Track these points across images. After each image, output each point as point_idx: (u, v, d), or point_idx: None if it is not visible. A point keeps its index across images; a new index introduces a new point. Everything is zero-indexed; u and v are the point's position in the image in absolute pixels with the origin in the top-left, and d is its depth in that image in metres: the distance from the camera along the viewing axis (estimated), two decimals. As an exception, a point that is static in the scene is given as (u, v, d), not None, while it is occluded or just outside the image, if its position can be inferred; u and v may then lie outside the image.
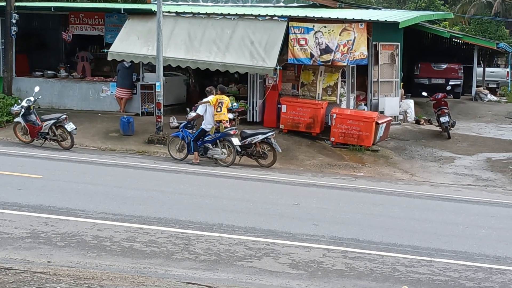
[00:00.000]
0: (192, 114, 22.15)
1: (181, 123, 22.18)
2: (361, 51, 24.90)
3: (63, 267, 9.97)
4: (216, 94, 21.93)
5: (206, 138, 21.68)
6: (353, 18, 25.29)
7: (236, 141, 21.72)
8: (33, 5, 31.04)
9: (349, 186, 19.57)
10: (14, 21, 27.95)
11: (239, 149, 21.90)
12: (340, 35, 24.91)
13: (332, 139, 24.58)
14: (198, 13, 26.49)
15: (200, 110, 21.79)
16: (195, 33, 25.96)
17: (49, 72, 29.51)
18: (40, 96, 24.23)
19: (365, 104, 27.22)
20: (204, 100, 21.83)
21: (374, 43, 26.38)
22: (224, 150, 21.76)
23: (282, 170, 21.86)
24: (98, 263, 10.60)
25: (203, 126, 21.71)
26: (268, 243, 12.36)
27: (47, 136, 22.81)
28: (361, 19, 25.25)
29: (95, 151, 23.02)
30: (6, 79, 28.35)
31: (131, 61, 26.45)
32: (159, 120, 24.32)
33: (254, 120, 26.18)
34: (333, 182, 20.06)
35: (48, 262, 10.37)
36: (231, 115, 22.79)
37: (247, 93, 26.52)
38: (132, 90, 27.52)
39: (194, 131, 21.85)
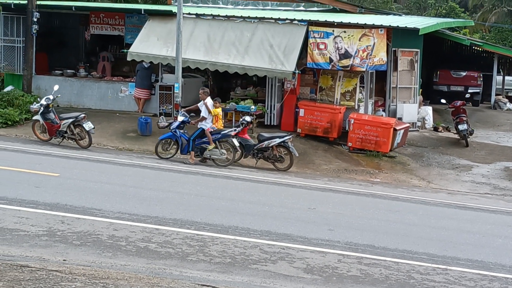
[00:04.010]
0: (165, 124, 22.31)
1: (171, 123, 22.19)
2: (380, 56, 24.85)
3: (78, 266, 9.99)
4: (214, 103, 22.22)
5: (204, 139, 21.75)
6: (373, 24, 25.24)
7: (236, 142, 21.86)
8: (54, 4, 31.13)
9: (366, 192, 19.52)
10: (35, 20, 28.10)
11: (238, 150, 22.05)
12: (359, 40, 24.86)
13: (350, 144, 24.54)
14: (218, 16, 26.51)
15: (204, 112, 21.84)
16: (215, 35, 26.00)
17: (68, 71, 29.63)
18: (59, 95, 24.35)
19: (383, 110, 27.15)
20: (209, 104, 21.84)
21: (393, 49, 26.31)
22: (224, 151, 21.85)
23: (299, 174, 21.85)
24: (114, 262, 10.62)
25: (203, 126, 21.74)
26: (283, 247, 12.34)
27: (65, 135, 22.90)
28: (381, 25, 25.20)
29: (112, 151, 23.08)
30: (26, 77, 28.49)
31: (150, 62, 26.52)
32: (176, 121, 24.35)
33: (272, 124, 26.18)
34: (350, 188, 20.02)
35: (64, 260, 10.40)
36: (248, 118, 22.81)
37: (265, 96, 26.52)
38: (151, 91, 27.58)
39: (185, 131, 21.98)
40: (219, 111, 22.41)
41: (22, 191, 14.96)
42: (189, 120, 22.19)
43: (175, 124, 22.03)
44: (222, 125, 22.66)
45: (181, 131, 21.97)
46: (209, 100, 21.99)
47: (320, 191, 19.04)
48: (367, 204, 17.86)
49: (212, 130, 21.84)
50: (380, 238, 13.68)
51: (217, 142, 21.73)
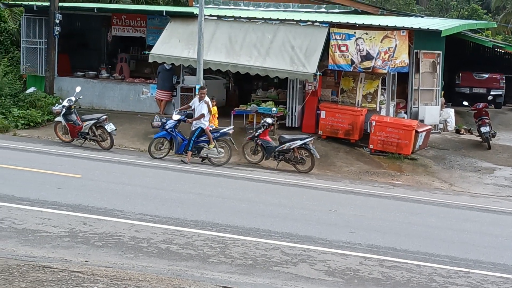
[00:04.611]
0: (159, 123, 22.20)
1: (164, 123, 22.04)
2: (402, 58, 24.78)
3: (100, 267, 10.01)
4: (212, 101, 22.39)
5: (202, 138, 21.72)
6: (395, 26, 25.18)
7: (232, 140, 22.24)
8: (76, 5, 31.33)
9: (387, 194, 19.46)
10: (57, 21, 28.26)
11: (236, 148, 22.25)
12: (381, 42, 24.82)
13: (371, 146, 24.47)
14: (240, 17, 26.54)
15: (205, 110, 21.75)
16: (236, 37, 26.02)
17: (90, 72, 29.77)
18: (81, 96, 24.43)
19: (405, 112, 27.05)
20: (209, 103, 21.84)
21: (415, 51, 26.20)
22: (221, 150, 21.90)
23: (320, 176, 21.82)
24: (135, 264, 10.64)
25: (201, 125, 21.70)
26: (305, 249, 12.32)
27: (87, 136, 22.99)
28: (403, 27, 25.14)
29: (134, 152, 23.14)
30: (48, 79, 28.65)
31: (172, 64, 26.57)
32: (198, 123, 24.39)
33: (293, 126, 26.17)
34: (371, 190, 19.96)
35: (86, 261, 10.43)
36: (270, 120, 22.81)
37: (286, 98, 26.51)
38: (172, 93, 27.66)
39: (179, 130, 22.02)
40: (215, 109, 22.68)
41: (44, 192, 15.03)
42: (185, 118, 22.11)
43: (171, 123, 21.92)
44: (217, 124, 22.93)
45: (176, 130, 21.94)
46: (206, 98, 21.95)
47: (341, 193, 19.01)
48: (388, 206, 17.81)
49: (211, 128, 21.86)
50: (401, 240, 13.63)
51: (214, 140, 21.74)
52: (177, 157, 22.01)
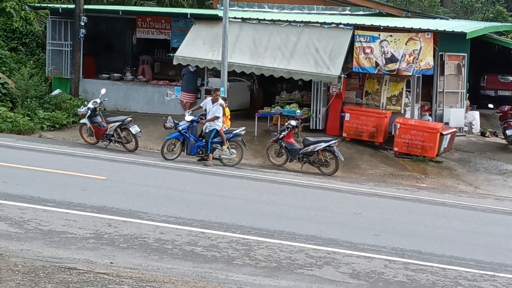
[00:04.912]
0: (172, 124, 22.22)
1: (177, 124, 22.00)
2: (427, 61, 24.69)
3: (125, 268, 10.05)
4: (225, 102, 22.34)
5: (215, 139, 21.70)
6: (420, 28, 25.07)
7: (243, 141, 22.30)
8: (101, 8, 31.46)
9: (412, 197, 19.39)
10: (82, 24, 28.46)
11: (247, 149, 22.27)
12: (406, 44, 24.73)
13: (395, 149, 24.40)
14: (264, 20, 26.55)
15: (220, 113, 21.73)
16: (260, 39, 26.04)
17: (115, 74, 29.90)
18: (106, 98, 24.52)
19: (430, 115, 26.93)
20: (221, 104, 21.77)
21: (440, 53, 26.10)
22: (234, 151, 21.93)
23: (344, 178, 21.78)
24: (160, 266, 10.66)
25: (216, 127, 21.67)
26: (329, 252, 12.30)
27: (112, 138, 23.09)
28: (428, 29, 25.02)
29: (158, 154, 23.14)
30: (74, 81, 28.83)
31: (196, 66, 26.64)
32: (222, 125, 24.42)
33: (317, 128, 26.15)
34: (396, 193, 19.90)
35: (111, 263, 10.47)
36: (294, 122, 22.81)
37: (310, 100, 26.51)
38: (197, 95, 27.72)
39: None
40: (228, 110, 22.81)
41: (69, 193, 15.10)
42: (199, 119, 22.07)
43: (184, 125, 21.91)
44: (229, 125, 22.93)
45: (189, 131, 21.94)
46: (221, 101, 21.94)
47: (365, 196, 18.95)
48: (413, 209, 17.74)
49: (224, 130, 21.87)
50: (426, 243, 13.57)
51: (227, 142, 21.76)
52: (191, 158, 22.02)
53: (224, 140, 21.68)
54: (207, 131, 21.75)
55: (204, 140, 21.80)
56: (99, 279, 9.11)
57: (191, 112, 22.45)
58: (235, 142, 22.05)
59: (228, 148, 21.82)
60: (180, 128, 21.83)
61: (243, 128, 22.53)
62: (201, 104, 22.59)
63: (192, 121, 21.98)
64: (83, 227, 12.47)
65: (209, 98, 22.18)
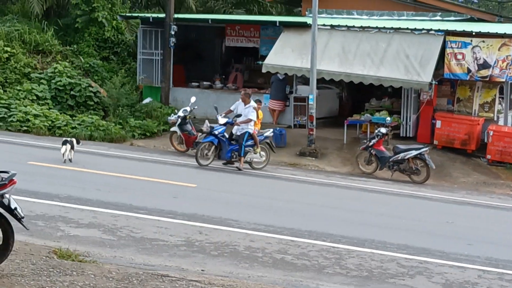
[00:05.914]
0: (208, 129, 21.60)
1: (213, 128, 21.52)
2: (520, 67, 24.15)
3: (216, 276, 10.08)
4: (257, 104, 22.19)
5: (248, 142, 21.39)
6: (513, 33, 24.54)
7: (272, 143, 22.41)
8: (191, 17, 31.77)
9: (506, 206, 18.98)
10: (172, 33, 28.79)
11: (274, 152, 22.27)
12: (499, 50, 24.21)
13: (488, 156, 23.91)
14: (353, 27, 26.39)
15: (254, 116, 21.37)
16: (349, 46, 25.88)
17: (204, 82, 30.10)
18: (196, 106, 24.63)
19: (524, 122, 26.34)
20: (254, 107, 21.46)
21: (534, 59, 25.46)
22: (263, 153, 21.72)
23: (435, 187, 21.45)
24: (250, 273, 10.66)
25: (249, 130, 21.31)
26: (421, 261, 12.12)
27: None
28: (522, 34, 24.47)
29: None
30: (164, 89, 29.19)
31: (285, 74, 26.63)
32: (311, 133, 24.35)
33: (407, 135, 25.85)
34: (488, 201, 19.51)
35: (202, 270, 10.51)
36: (384, 130, 22.58)
37: (400, 107, 26.21)
38: (285, 102, 27.72)
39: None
40: (261, 113, 22.68)
41: (161, 201, 15.27)
42: (232, 121, 21.64)
43: (221, 128, 21.47)
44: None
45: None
46: (253, 103, 21.66)
47: (457, 205, 18.64)
48: (507, 218, 17.39)
49: (256, 132, 21.67)
50: (522, 254, 13.26)
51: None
52: (221, 163, 21.47)
53: (257, 143, 21.49)
54: (238, 133, 21.42)
55: (236, 144, 21.47)
56: (192, 287, 9.17)
57: (224, 115, 22.10)
58: (263, 144, 21.88)
59: (259, 151, 21.68)
60: (216, 132, 21.41)
61: (271, 129, 22.60)
62: (231, 108, 22.17)
63: (226, 123, 21.67)
64: (174, 235, 12.57)
65: (239, 101, 21.86)
